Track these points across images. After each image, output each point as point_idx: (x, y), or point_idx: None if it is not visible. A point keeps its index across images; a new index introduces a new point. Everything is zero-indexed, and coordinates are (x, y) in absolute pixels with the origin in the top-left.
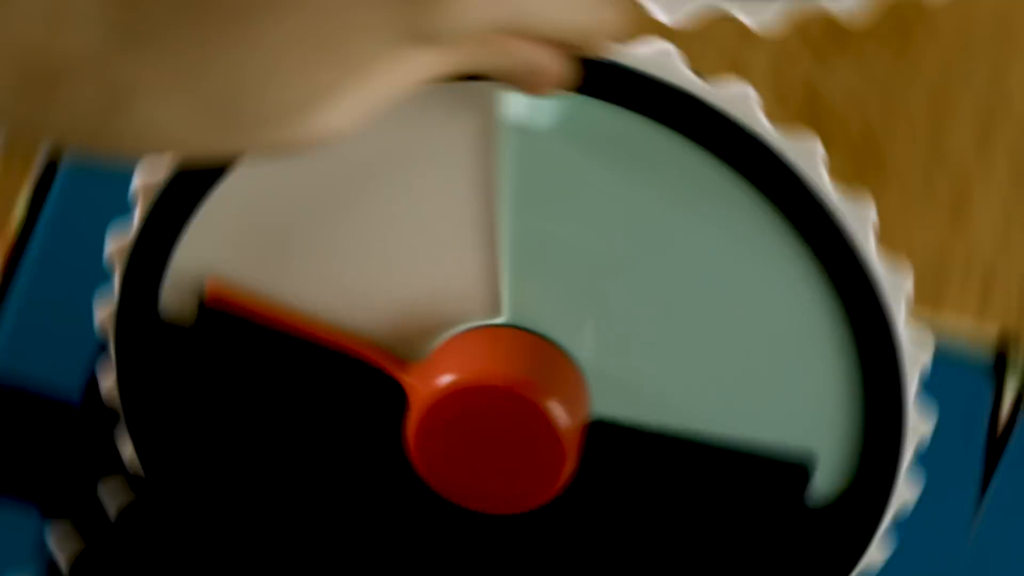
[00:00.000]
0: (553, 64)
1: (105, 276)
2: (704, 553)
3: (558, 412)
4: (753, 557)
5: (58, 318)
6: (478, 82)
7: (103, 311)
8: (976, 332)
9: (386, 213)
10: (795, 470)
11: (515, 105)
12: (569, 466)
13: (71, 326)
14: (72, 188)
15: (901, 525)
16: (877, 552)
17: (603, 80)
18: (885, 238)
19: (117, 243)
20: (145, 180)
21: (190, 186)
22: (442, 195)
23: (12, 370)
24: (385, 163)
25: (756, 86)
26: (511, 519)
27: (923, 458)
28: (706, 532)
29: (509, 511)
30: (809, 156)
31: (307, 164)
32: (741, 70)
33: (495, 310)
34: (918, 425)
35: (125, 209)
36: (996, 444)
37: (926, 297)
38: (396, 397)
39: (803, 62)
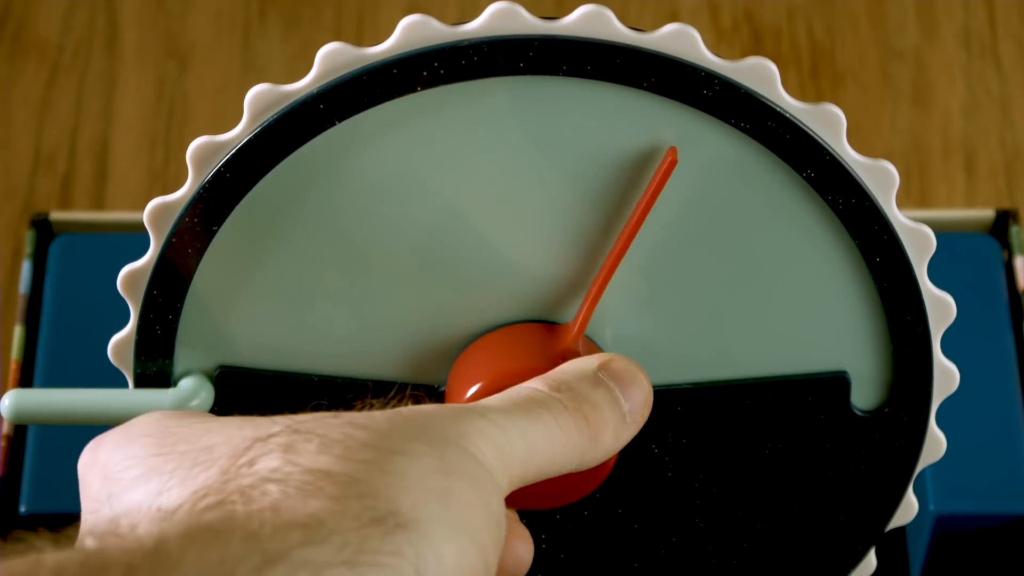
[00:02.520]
0: None
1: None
2: (769, 484)
3: None
4: (818, 476)
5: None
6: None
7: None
8: (968, 211)
9: (381, 257)
10: (834, 382)
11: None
12: None
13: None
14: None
15: (951, 411)
16: (935, 443)
17: (547, 55)
18: (859, 141)
19: (120, 342)
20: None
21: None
22: (435, 217)
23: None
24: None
25: (698, 28)
26: (575, 507)
27: (953, 340)
28: (766, 463)
29: (569, 501)
30: (765, 78)
31: (316, 203)
32: (678, 17)
33: (501, 311)
34: (939, 315)
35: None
36: (1018, 312)
37: (913, 189)
38: None
39: None
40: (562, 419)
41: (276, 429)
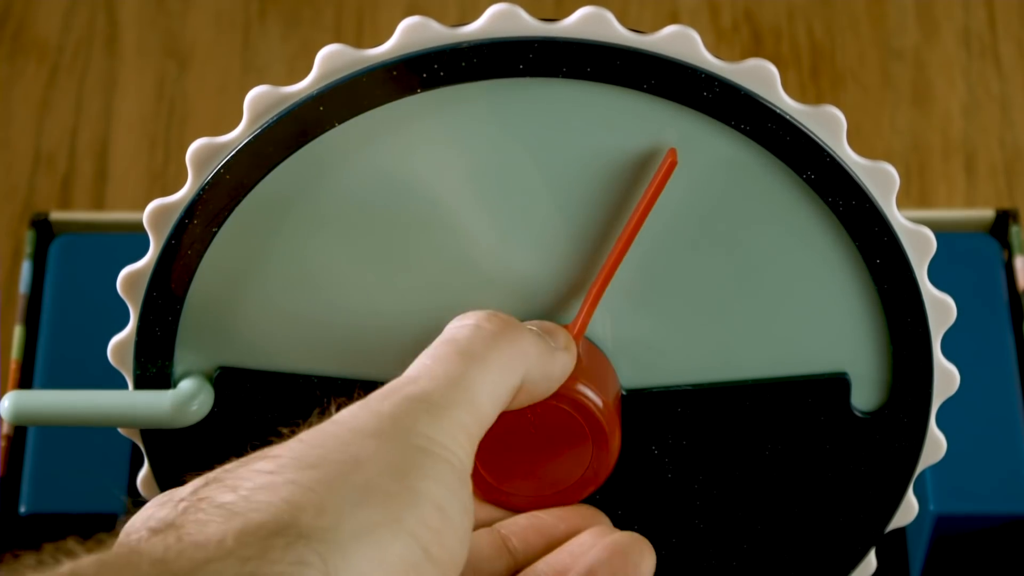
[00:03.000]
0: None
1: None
2: (770, 485)
3: (589, 393)
4: (818, 477)
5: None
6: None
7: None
8: (968, 211)
9: (384, 256)
10: (834, 383)
11: (487, 101)
12: (615, 442)
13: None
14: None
15: (951, 411)
16: (935, 444)
17: (547, 57)
18: (859, 141)
19: (121, 344)
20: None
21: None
22: (437, 216)
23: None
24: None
25: (698, 28)
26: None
27: (953, 340)
28: (766, 464)
29: (569, 503)
30: (765, 80)
31: (318, 198)
32: (678, 18)
33: (501, 311)
34: (939, 317)
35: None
36: (1018, 312)
37: (913, 190)
38: None
39: None
40: (484, 332)
41: (197, 485)
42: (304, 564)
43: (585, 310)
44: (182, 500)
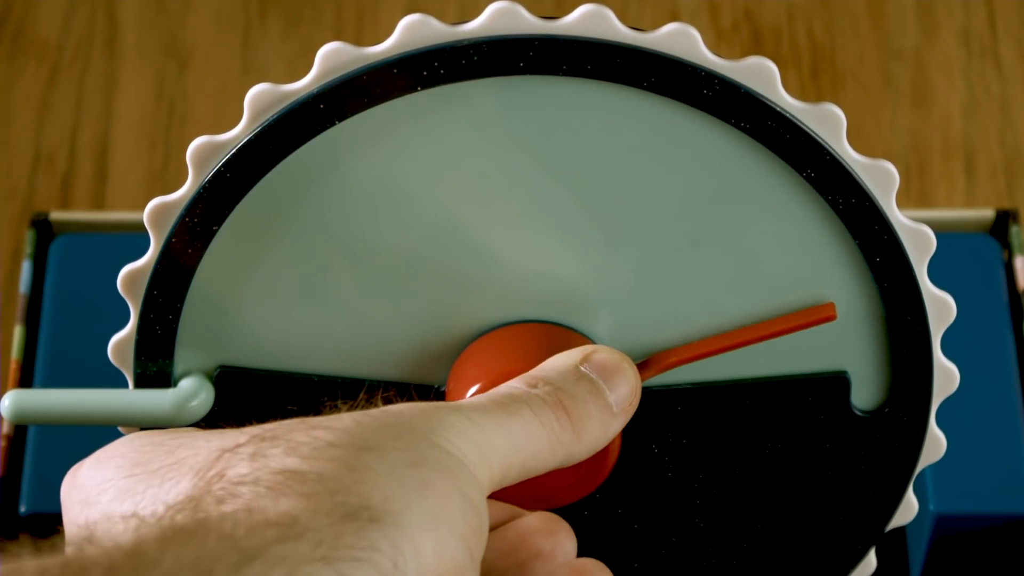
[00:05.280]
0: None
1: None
2: (769, 484)
3: None
4: (818, 476)
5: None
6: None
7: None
8: (968, 211)
9: (380, 254)
10: (834, 382)
11: (488, 101)
12: (615, 441)
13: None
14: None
15: (951, 411)
16: (935, 443)
17: (547, 55)
18: (859, 141)
19: (120, 342)
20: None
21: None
22: (430, 212)
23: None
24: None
25: (698, 28)
26: (575, 507)
27: (953, 340)
28: (766, 463)
29: (569, 501)
30: (765, 78)
31: (317, 199)
32: (678, 18)
33: (502, 311)
34: (939, 315)
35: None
36: (1018, 312)
37: (913, 190)
38: None
39: None
40: (542, 413)
41: (243, 439)
42: (376, 550)
43: (652, 372)
44: (227, 451)
